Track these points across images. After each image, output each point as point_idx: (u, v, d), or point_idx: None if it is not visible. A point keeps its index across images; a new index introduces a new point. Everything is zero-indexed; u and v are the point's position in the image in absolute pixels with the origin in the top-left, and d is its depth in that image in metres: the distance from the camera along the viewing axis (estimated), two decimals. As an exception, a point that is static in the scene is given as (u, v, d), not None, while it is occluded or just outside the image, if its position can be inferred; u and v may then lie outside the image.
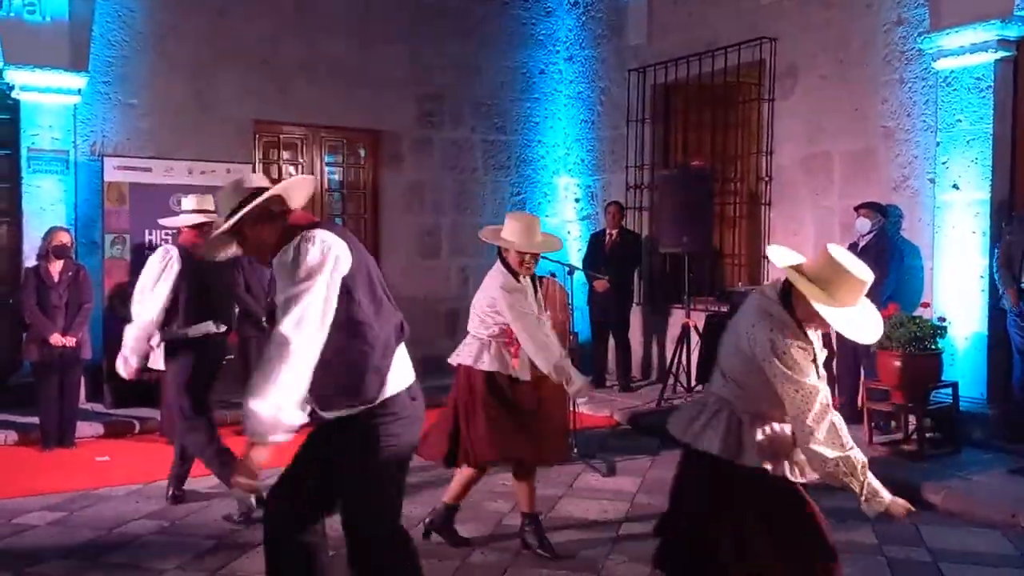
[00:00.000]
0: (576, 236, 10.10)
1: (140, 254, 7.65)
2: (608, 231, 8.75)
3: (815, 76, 7.63)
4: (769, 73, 7.99)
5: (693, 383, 7.95)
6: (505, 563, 4.27)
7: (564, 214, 10.30)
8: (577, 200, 10.19)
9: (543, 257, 7.09)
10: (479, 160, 9.85)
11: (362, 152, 9.51)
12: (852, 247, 6.94)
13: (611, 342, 8.77)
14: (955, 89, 6.50)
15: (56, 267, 6.51)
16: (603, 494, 5.45)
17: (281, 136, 9.01)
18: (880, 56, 7.11)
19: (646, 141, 9.17)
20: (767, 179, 8.07)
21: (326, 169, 9.26)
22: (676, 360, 7.94)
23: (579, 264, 8.54)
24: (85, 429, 6.76)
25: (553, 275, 6.44)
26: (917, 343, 5.98)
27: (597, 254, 8.66)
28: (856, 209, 6.88)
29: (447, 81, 9.56)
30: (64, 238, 6.59)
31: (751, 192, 8.44)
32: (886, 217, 6.85)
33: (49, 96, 7.64)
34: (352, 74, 8.96)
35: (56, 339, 6.37)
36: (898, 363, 6.02)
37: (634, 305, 8.92)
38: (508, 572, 4.17)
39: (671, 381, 7.98)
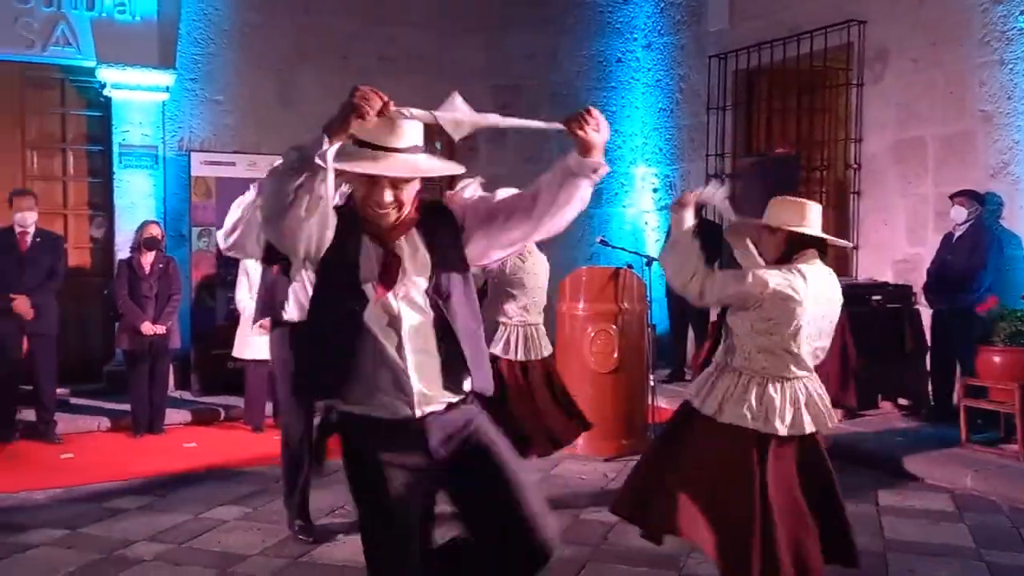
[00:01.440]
0: (654, 227, 9.94)
1: (225, 246, 7.85)
2: (689, 222, 8.57)
3: (906, 59, 7.32)
4: (857, 57, 7.70)
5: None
6: (583, 558, 4.22)
7: (641, 204, 10.15)
8: (655, 190, 10.03)
9: (621, 248, 7.06)
10: (555, 151, 9.73)
11: (438, 145, 9.50)
12: (947, 237, 6.66)
13: (691, 335, 8.61)
14: (1061, 69, 6.15)
15: (148, 259, 6.71)
16: (683, 489, 5.32)
17: (360, 130, 9.09)
18: (977, 37, 6.77)
19: (727, 129, 8.95)
20: (856, 167, 7.79)
21: None
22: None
23: (657, 255, 8.39)
24: (173, 416, 6.97)
25: (630, 266, 6.34)
26: (1018, 337, 5.68)
27: (677, 245, 8.49)
28: (951, 197, 6.58)
29: (524, 71, 9.51)
30: (155, 231, 6.79)
31: (838, 180, 8.16)
32: (983, 206, 6.53)
33: (139, 93, 7.89)
34: (429, 67, 9.00)
35: (147, 328, 6.57)
36: (998, 358, 5.74)
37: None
38: (587, 568, 4.11)
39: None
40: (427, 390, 2.39)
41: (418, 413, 2.39)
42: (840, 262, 8.06)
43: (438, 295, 2.40)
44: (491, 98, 9.39)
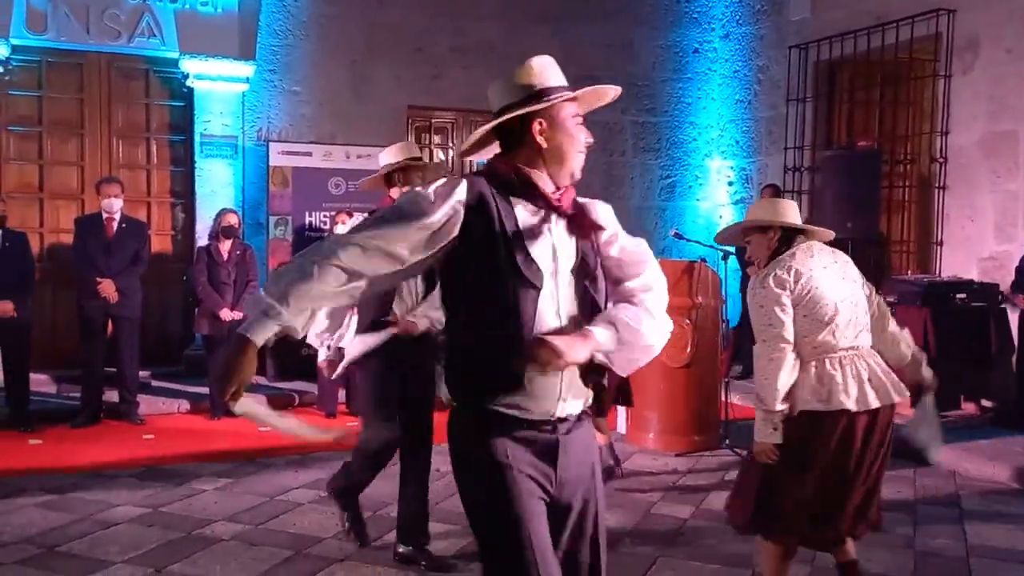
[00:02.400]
0: (729, 221, 9.77)
1: (301, 235, 7.99)
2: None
3: (999, 50, 7.04)
4: (946, 47, 7.42)
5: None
6: (654, 553, 4.17)
7: (716, 198, 9.99)
8: (730, 183, 9.86)
9: (696, 242, 6.95)
10: (629, 142, 9.70)
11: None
12: (1038, 234, 6.39)
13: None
14: None
15: (226, 246, 6.86)
16: (757, 488, 5.23)
17: (433, 121, 9.16)
18: (1077, 25, 6.47)
19: (807, 121, 8.74)
20: (941, 161, 7.52)
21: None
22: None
23: (732, 250, 8.25)
24: (249, 400, 7.11)
25: (703, 260, 6.24)
26: (1115, 340, 5.43)
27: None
28: (1044, 193, 6.31)
29: (597, 62, 9.41)
30: (232, 219, 6.94)
31: (923, 175, 7.90)
32: (1078, 202, 6.25)
33: (220, 84, 8.07)
34: (501, 57, 8.97)
35: (225, 314, 6.72)
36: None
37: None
38: (658, 563, 4.07)
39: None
40: (570, 383, 2.14)
41: (559, 411, 2.12)
42: (923, 259, 7.83)
43: (585, 275, 2.17)
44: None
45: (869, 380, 3.21)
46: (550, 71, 2.20)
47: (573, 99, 2.20)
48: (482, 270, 2.07)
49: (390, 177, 4.18)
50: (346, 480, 4.19)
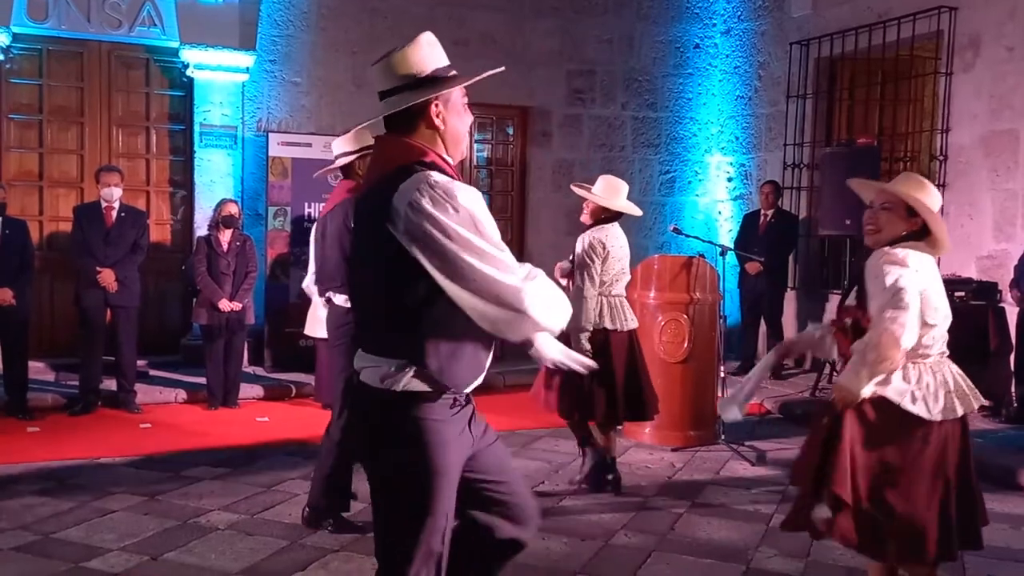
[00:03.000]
0: (728, 216, 9.79)
1: (300, 226, 7.99)
2: (763, 212, 8.42)
3: (1000, 47, 7.03)
4: (947, 45, 7.42)
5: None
6: (649, 547, 4.19)
7: (715, 193, 9.99)
8: (730, 179, 9.86)
9: (694, 237, 6.95)
10: (628, 137, 9.69)
11: (510, 129, 9.54)
12: (1036, 233, 6.40)
13: (762, 327, 8.46)
14: None
15: (226, 236, 6.86)
16: (752, 483, 5.26)
17: (433, 112, 9.13)
18: (1078, 24, 6.47)
19: (807, 118, 8.74)
20: (941, 159, 7.52)
21: (474, 146, 9.34)
22: (833, 348, 7.57)
23: (730, 245, 8.27)
24: (247, 391, 7.13)
25: (702, 255, 6.25)
26: (1112, 340, 5.43)
27: (750, 235, 8.35)
28: (1043, 192, 6.32)
29: (598, 56, 9.44)
30: (232, 209, 6.94)
31: (922, 173, 7.87)
32: (1078, 201, 6.25)
33: (220, 74, 8.06)
34: (503, 50, 8.98)
35: (224, 304, 6.73)
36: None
37: (788, 290, 8.55)
38: (652, 557, 4.08)
39: (827, 370, 7.61)
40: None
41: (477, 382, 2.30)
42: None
43: None
44: (565, 82, 9.36)
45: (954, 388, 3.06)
46: (437, 51, 2.28)
47: (468, 82, 2.26)
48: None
49: (349, 166, 4.32)
50: (324, 489, 4.22)
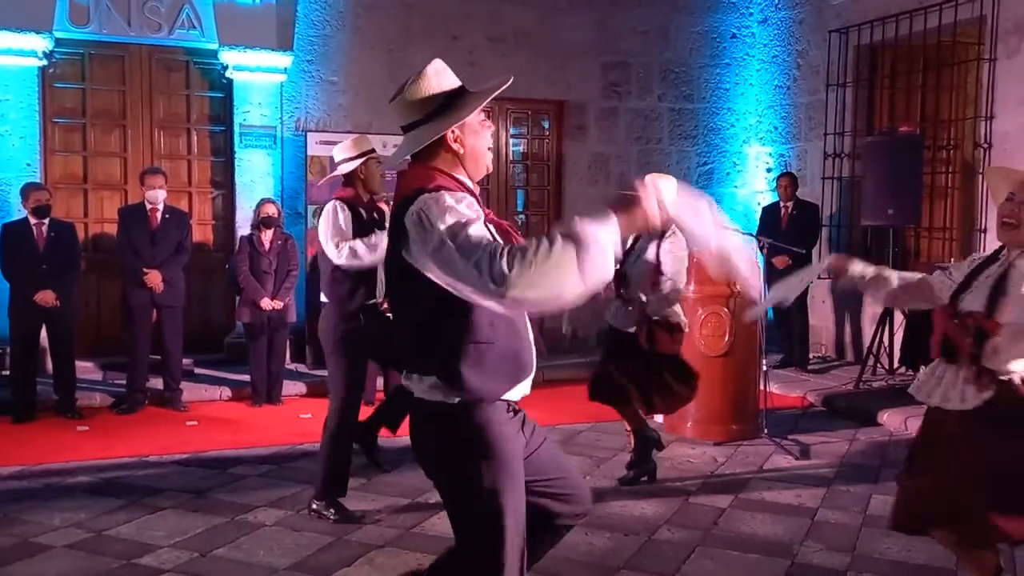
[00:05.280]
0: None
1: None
2: (783, 204, 8.29)
3: (1047, 31, 6.87)
4: (991, 31, 7.26)
5: (895, 365, 7.48)
6: (693, 542, 4.18)
7: (754, 184, 9.90)
8: (769, 170, 9.75)
9: (734, 229, 6.86)
10: (665, 130, 9.63)
11: (545, 124, 9.52)
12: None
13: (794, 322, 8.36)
14: None
15: (267, 236, 6.95)
16: (796, 478, 5.21)
17: (469, 109, 9.15)
18: None
19: (847, 106, 8.61)
20: (986, 146, 7.37)
21: (510, 141, 9.35)
22: (878, 340, 7.48)
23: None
24: (289, 388, 7.22)
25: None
26: None
27: (772, 228, 8.22)
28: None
29: (634, 48, 9.38)
30: (270, 209, 7.02)
31: (966, 161, 7.76)
32: None
33: (258, 75, 8.15)
34: (538, 44, 8.98)
35: (266, 303, 6.81)
36: None
37: (816, 280, 8.42)
38: (696, 552, 4.07)
39: (871, 362, 7.53)
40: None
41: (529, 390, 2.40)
42: (965, 246, 7.70)
43: None
44: (601, 75, 9.32)
45: None
46: (446, 78, 2.36)
47: (476, 108, 2.32)
48: None
49: (351, 173, 4.50)
50: (324, 477, 4.42)
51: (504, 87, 2.33)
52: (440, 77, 2.34)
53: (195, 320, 7.92)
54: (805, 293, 8.22)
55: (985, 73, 7.36)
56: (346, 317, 4.35)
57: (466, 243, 2.04)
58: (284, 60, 8.16)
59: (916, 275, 3.41)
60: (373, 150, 4.57)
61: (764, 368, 6.18)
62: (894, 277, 3.35)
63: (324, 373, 7.62)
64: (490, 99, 2.35)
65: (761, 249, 6.37)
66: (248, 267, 6.88)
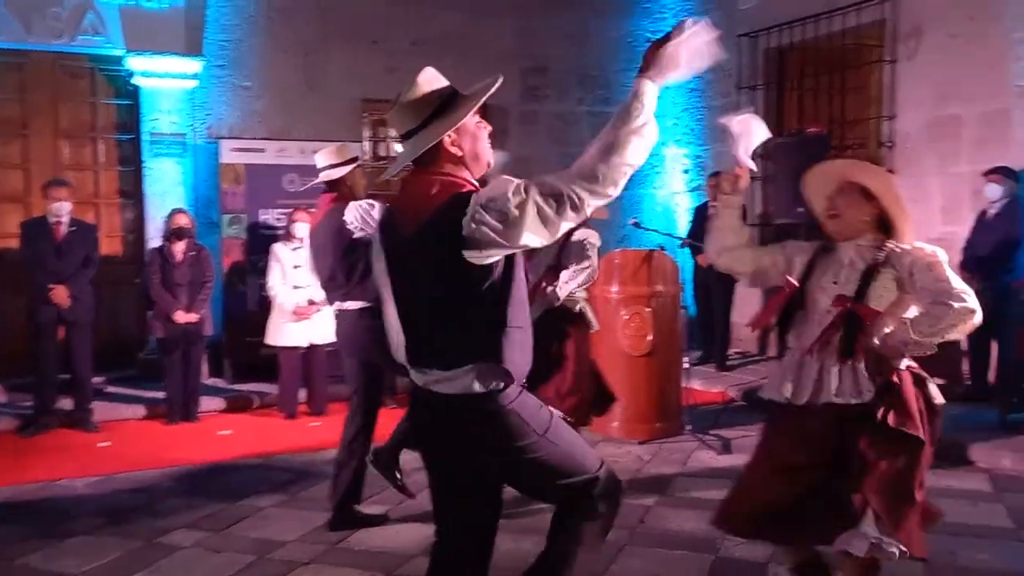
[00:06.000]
0: (686, 208, 9.86)
1: (255, 233, 7.89)
2: (710, 203, 8.48)
3: (943, 35, 7.18)
4: (891, 33, 7.56)
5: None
6: (620, 541, 4.21)
7: (673, 186, 10.07)
8: (686, 171, 9.94)
9: (653, 230, 6.99)
10: (586, 133, 9.70)
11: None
12: (982, 215, 6.54)
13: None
14: (1104, 42, 6.00)
15: (179, 247, 6.75)
16: (719, 472, 5.30)
17: (389, 114, 9.06)
18: (1016, 11, 6.63)
19: (758, 108, 8.82)
20: (889, 145, 7.67)
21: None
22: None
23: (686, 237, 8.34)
24: (207, 403, 7.03)
25: (662, 248, 6.30)
26: (1059, 317, 5.58)
27: (702, 227, 8.40)
28: (985, 175, 6.46)
29: (553, 53, 9.44)
30: (182, 220, 6.83)
31: (871, 159, 8.02)
32: (1019, 183, 6.41)
33: (167, 81, 7.92)
34: (458, 49, 8.93)
35: (180, 316, 6.62)
36: (1037, 338, 5.64)
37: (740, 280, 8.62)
38: (624, 551, 4.10)
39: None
40: None
41: None
42: (874, 242, 7.97)
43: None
44: (520, 80, 9.35)
45: None
46: (438, 84, 2.44)
47: (469, 112, 2.40)
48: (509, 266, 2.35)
49: (337, 179, 4.44)
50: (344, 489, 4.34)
51: (494, 88, 2.39)
52: (432, 83, 2.43)
53: (105, 336, 7.64)
54: (731, 292, 8.41)
55: (886, 75, 7.65)
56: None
57: (549, 190, 2.20)
58: (194, 65, 7.95)
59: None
60: (357, 157, 4.61)
61: (686, 365, 6.29)
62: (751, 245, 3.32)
63: (244, 387, 7.54)
64: (479, 104, 2.40)
65: (681, 247, 6.48)
66: (160, 279, 6.68)
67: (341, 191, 4.43)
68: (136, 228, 8.17)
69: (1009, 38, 6.66)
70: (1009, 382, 5.96)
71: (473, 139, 2.43)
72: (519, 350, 2.37)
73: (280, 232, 7.40)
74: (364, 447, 4.37)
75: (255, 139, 8.16)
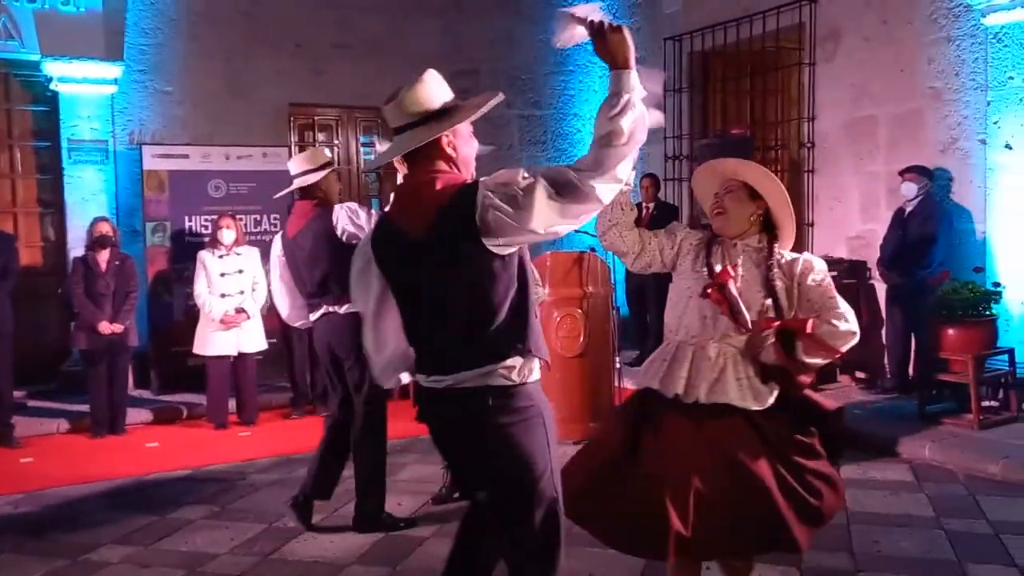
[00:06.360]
0: (614, 210, 9.98)
1: (181, 241, 7.72)
2: (644, 204, 8.62)
3: (858, 38, 7.42)
4: (809, 37, 7.79)
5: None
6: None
7: (602, 188, 10.18)
8: (615, 173, 10.06)
9: (584, 232, 7.06)
10: (515, 136, 9.77)
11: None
12: (898, 212, 6.78)
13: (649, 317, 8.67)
14: (1006, 45, 6.28)
15: (103, 256, 6.57)
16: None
17: (316, 118, 8.99)
18: (926, 14, 6.88)
19: (684, 111, 9.01)
20: (809, 145, 7.89)
21: (361, 150, 9.23)
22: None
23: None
24: (134, 416, 6.85)
25: (592, 249, 6.36)
26: (971, 309, 5.82)
27: (635, 228, 8.55)
28: (901, 173, 6.70)
29: (481, 56, 9.46)
30: (104, 228, 6.65)
31: (793, 159, 8.27)
32: (933, 181, 6.66)
33: (86, 87, 7.70)
34: (385, 52, 8.90)
35: (104, 327, 6.44)
36: (952, 330, 5.87)
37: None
38: (558, 551, 4.13)
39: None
40: None
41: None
42: (796, 240, 8.19)
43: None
44: (450, 83, 9.26)
45: None
46: (443, 87, 2.50)
47: (472, 116, 2.48)
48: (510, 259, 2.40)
49: (311, 185, 4.41)
50: (369, 495, 4.34)
51: (495, 102, 2.48)
52: (438, 85, 2.48)
53: (26, 349, 7.35)
54: (664, 295, 8.51)
55: (806, 77, 7.88)
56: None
57: (555, 176, 2.24)
58: (114, 71, 7.74)
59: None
60: (331, 162, 4.55)
61: (618, 366, 6.36)
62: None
63: (172, 398, 7.37)
64: (481, 113, 2.47)
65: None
66: (83, 290, 6.49)
67: (317, 196, 4.41)
68: (56, 237, 7.92)
69: (920, 41, 6.93)
70: (927, 375, 6.18)
71: (467, 145, 2.51)
72: (541, 336, 2.49)
73: (206, 239, 7.25)
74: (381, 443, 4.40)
75: (178, 145, 7.98)
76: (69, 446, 6.37)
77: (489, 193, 2.29)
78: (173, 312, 7.72)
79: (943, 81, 6.81)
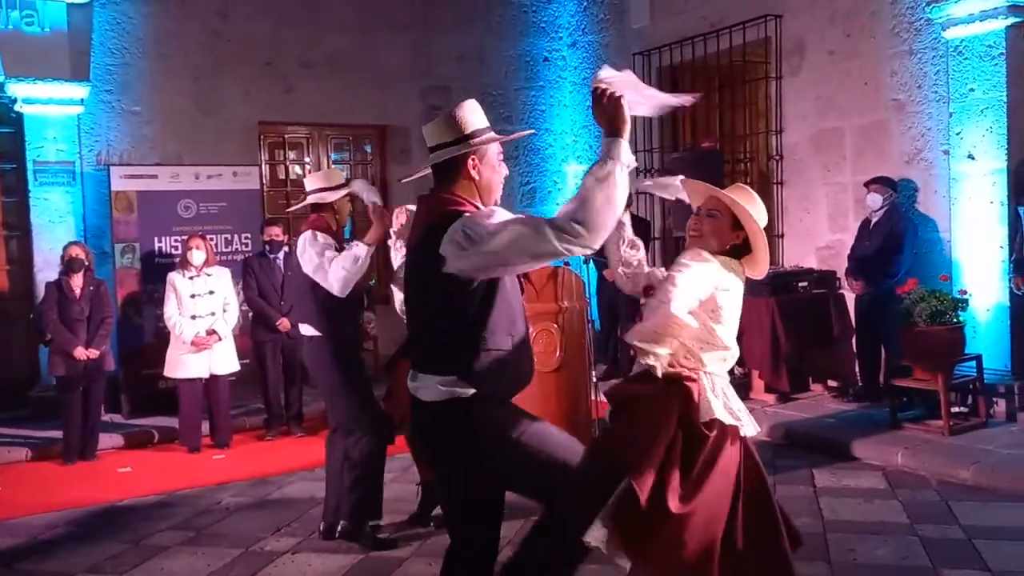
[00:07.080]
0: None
1: (151, 262, 7.65)
2: (616, 218, 8.67)
3: (823, 52, 7.54)
4: (776, 51, 7.89)
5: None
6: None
7: (573, 202, 10.22)
8: (586, 187, 10.11)
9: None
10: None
11: (368, 148, 9.46)
12: (865, 223, 6.88)
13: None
14: (966, 58, 6.40)
15: (77, 281, 6.47)
16: (628, 484, 5.39)
17: (286, 136, 8.97)
18: (888, 28, 7.01)
19: (654, 125, 9.08)
20: (778, 158, 7.99)
21: (332, 167, 9.21)
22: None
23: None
24: (105, 440, 6.74)
25: (567, 264, 6.39)
26: (938, 317, 5.91)
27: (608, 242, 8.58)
28: (866, 185, 6.80)
29: (451, 72, 9.49)
30: (76, 251, 6.55)
31: (762, 172, 8.36)
32: (897, 192, 6.77)
33: (52, 107, 7.62)
34: (355, 70, 8.91)
35: (80, 353, 6.34)
36: (920, 338, 5.95)
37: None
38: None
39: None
40: None
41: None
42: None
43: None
44: (420, 99, 9.36)
45: None
46: (477, 114, 2.66)
47: (499, 140, 2.67)
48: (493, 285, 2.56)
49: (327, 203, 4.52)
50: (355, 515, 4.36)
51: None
52: (472, 113, 2.64)
53: (-7, 375, 7.28)
54: (636, 310, 8.55)
55: (773, 90, 7.98)
56: (341, 348, 4.33)
57: (526, 224, 2.37)
58: (80, 91, 7.67)
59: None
60: (347, 182, 4.68)
61: (595, 379, 6.37)
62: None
63: (143, 422, 7.26)
64: (507, 140, 2.71)
65: (585, 262, 6.58)
66: (57, 315, 6.38)
67: (329, 212, 4.52)
68: (23, 261, 7.81)
69: (883, 54, 7.05)
70: (897, 383, 6.25)
71: (491, 170, 2.65)
72: (497, 370, 2.57)
73: (176, 260, 7.19)
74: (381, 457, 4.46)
75: (147, 165, 7.92)
76: (38, 473, 6.25)
77: (460, 227, 2.43)
78: (144, 335, 7.62)
79: (906, 93, 6.93)
